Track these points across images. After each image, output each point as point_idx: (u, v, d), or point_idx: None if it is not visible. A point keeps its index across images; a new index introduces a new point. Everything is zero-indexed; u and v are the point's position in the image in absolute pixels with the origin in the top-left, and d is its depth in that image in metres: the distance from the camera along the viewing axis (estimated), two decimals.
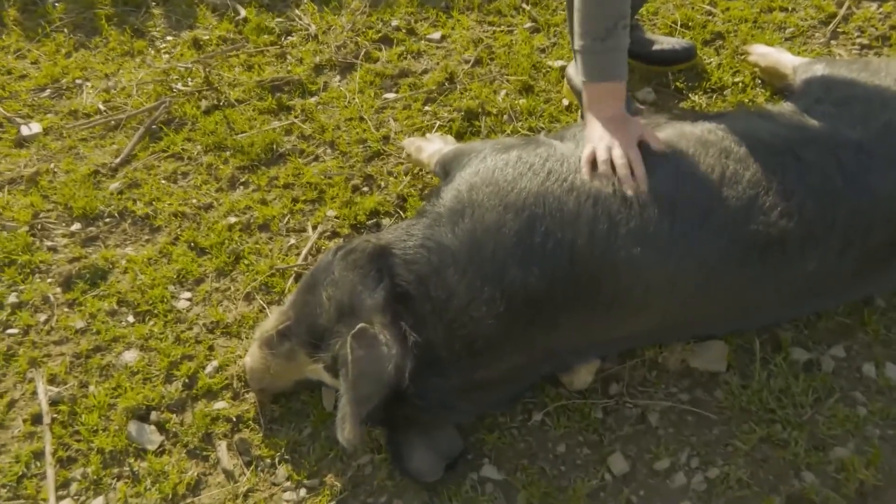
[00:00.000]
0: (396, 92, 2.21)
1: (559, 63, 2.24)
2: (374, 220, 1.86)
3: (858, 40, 2.27)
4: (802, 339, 1.55)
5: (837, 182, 1.45)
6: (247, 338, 1.63)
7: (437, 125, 2.07)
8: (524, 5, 2.49)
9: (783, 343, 1.52)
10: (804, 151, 1.48)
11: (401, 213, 1.86)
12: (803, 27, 2.32)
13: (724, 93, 2.13)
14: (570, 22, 1.98)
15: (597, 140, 1.50)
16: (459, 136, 2.03)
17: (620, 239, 1.40)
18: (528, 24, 2.42)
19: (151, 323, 1.69)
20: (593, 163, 1.47)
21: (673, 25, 2.36)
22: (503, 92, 2.18)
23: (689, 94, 2.14)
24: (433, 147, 1.84)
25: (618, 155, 1.46)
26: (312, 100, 2.20)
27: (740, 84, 2.13)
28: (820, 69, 1.76)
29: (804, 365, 1.50)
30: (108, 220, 1.94)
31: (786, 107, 1.66)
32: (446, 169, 1.67)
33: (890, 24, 2.30)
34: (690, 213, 1.42)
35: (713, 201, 1.43)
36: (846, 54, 2.22)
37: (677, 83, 2.16)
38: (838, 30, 2.31)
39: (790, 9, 2.40)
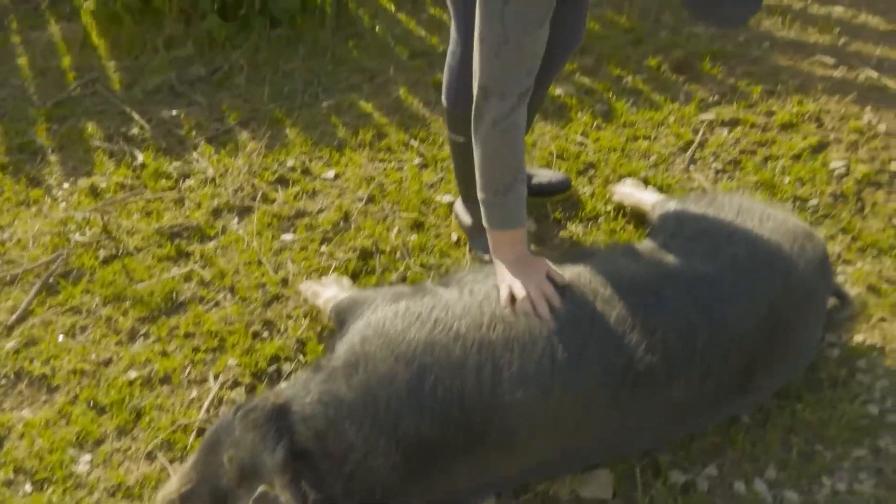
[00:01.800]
0: (294, 233, 2.30)
1: (447, 198, 2.38)
2: (275, 366, 1.92)
3: (714, 165, 2.51)
4: (679, 461, 1.67)
5: (694, 315, 1.60)
6: (149, 500, 1.64)
7: (333, 266, 2.16)
8: (412, 142, 2.65)
9: (662, 467, 1.64)
10: (663, 288, 1.63)
11: (301, 357, 1.93)
12: (665, 154, 2.56)
13: (599, 221, 2.31)
14: (456, 169, 2.14)
15: (510, 280, 1.63)
16: (355, 277, 2.13)
17: (505, 382, 1.51)
18: (417, 160, 2.57)
19: (50, 491, 1.68)
20: (513, 301, 1.58)
21: (550, 157, 2.56)
22: (396, 229, 2.30)
23: (567, 224, 2.31)
24: (329, 292, 1.93)
25: (532, 291, 1.58)
26: (211, 244, 2.27)
27: (612, 213, 2.32)
28: (673, 206, 1.95)
29: (682, 487, 1.62)
30: (2, 381, 1.93)
31: (646, 244, 1.83)
32: (341, 318, 1.76)
33: (740, 148, 2.56)
34: (567, 351, 1.54)
35: (586, 340, 1.56)
36: (704, 179, 2.45)
37: (556, 214, 2.34)
38: (696, 156, 2.55)
39: (653, 137, 2.64)
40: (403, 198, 2.40)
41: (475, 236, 2.16)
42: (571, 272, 1.68)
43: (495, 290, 1.64)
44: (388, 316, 1.62)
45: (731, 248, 1.73)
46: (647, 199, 2.19)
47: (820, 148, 2.53)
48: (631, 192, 2.29)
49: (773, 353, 1.67)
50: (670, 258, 1.74)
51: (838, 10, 3.35)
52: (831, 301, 1.88)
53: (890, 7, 3.37)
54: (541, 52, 1.58)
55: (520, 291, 1.59)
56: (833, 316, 1.88)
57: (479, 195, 1.71)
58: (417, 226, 2.31)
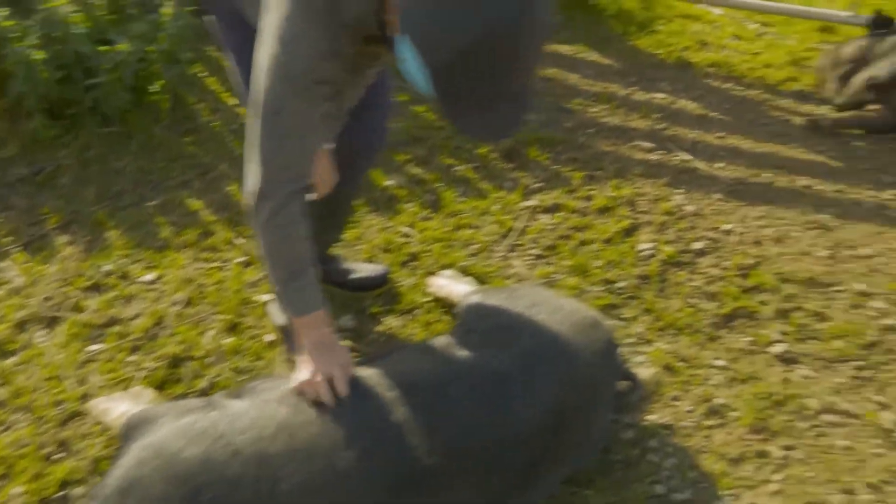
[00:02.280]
0: (102, 342, 2.23)
1: (266, 297, 2.37)
2: (65, 491, 1.83)
3: (533, 251, 2.59)
4: None
5: (481, 413, 1.63)
6: None
7: (139, 377, 2.10)
8: (238, 239, 2.63)
9: None
10: (451, 387, 1.65)
11: (94, 478, 1.85)
12: (487, 243, 2.62)
13: (415, 313, 2.33)
14: (263, 265, 2.14)
15: (305, 364, 1.63)
16: (161, 386, 2.07)
17: (284, 495, 1.48)
18: (241, 259, 2.55)
19: None
20: (302, 385, 1.59)
21: (375, 250, 2.59)
22: (211, 332, 2.26)
23: (385, 318, 2.32)
24: (120, 408, 1.87)
25: (321, 376, 1.58)
26: (10, 361, 2.17)
27: (429, 305, 2.35)
28: (475, 299, 1.99)
29: None
30: None
31: (443, 340, 1.85)
32: (127, 437, 1.70)
33: (558, 234, 2.65)
34: (349, 460, 1.53)
35: (369, 447, 1.55)
36: (522, 265, 2.53)
37: (373, 308, 2.35)
38: (516, 243, 2.63)
39: (477, 226, 2.71)
40: (222, 299, 2.37)
41: (289, 335, 2.14)
42: (363, 375, 1.68)
43: (288, 396, 1.63)
44: (169, 434, 1.58)
45: (522, 341, 1.78)
46: (457, 291, 2.24)
47: (631, 230, 2.65)
48: (445, 285, 2.33)
49: (560, 444, 1.70)
50: (463, 354, 1.76)
51: (659, 97, 3.57)
52: (623, 384, 1.95)
53: (706, 93, 3.61)
54: (307, 159, 1.61)
55: (309, 376, 1.60)
56: (625, 398, 1.94)
57: (271, 286, 1.71)
58: (234, 327, 2.28)
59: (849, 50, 3.43)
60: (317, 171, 1.94)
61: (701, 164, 3.05)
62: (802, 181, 2.95)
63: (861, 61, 3.37)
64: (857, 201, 2.82)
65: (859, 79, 3.25)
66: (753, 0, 3.91)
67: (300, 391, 1.61)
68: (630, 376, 1.96)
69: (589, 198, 2.83)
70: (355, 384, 1.63)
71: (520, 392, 1.68)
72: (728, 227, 2.67)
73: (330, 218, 2.26)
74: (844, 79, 3.39)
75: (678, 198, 2.83)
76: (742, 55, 3.89)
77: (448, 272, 2.42)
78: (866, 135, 3.26)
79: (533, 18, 1.25)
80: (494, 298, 1.95)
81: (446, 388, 1.64)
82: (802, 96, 3.61)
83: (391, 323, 2.31)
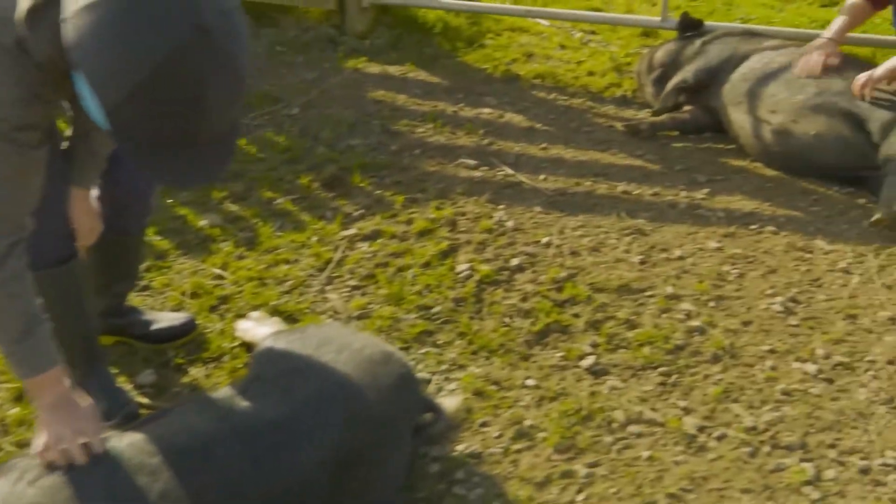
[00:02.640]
0: None
1: None
2: None
3: (350, 282, 2.51)
4: None
5: (253, 469, 1.53)
6: None
7: None
8: None
9: None
10: (220, 447, 1.55)
11: None
12: (302, 278, 2.53)
13: (222, 360, 2.21)
14: None
15: (47, 428, 1.51)
16: None
17: None
18: None
19: None
20: (45, 454, 1.48)
21: (183, 297, 2.44)
22: None
23: (190, 368, 2.19)
24: None
25: (64, 442, 1.48)
26: None
27: (235, 350, 2.23)
28: (268, 343, 1.89)
29: None
30: None
31: (226, 391, 1.74)
32: None
33: (376, 262, 2.58)
34: None
35: None
36: (338, 298, 2.44)
37: (178, 359, 2.21)
38: (333, 275, 2.54)
39: (293, 260, 2.61)
40: (7, 366, 2.18)
41: None
42: (128, 441, 1.56)
43: (42, 472, 1.50)
44: None
45: (305, 386, 1.69)
46: (260, 334, 2.13)
47: (450, 252, 2.61)
48: (250, 328, 2.22)
49: (350, 488, 1.63)
50: (242, 407, 1.66)
51: (486, 112, 3.56)
52: (426, 416, 1.89)
53: (531, 105, 3.63)
54: (23, 209, 1.50)
55: (52, 440, 1.49)
56: (428, 431, 1.87)
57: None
58: (20, 397, 2.10)
59: (660, 54, 3.52)
60: (78, 219, 1.81)
61: (524, 178, 3.04)
62: (621, 187, 2.98)
63: (672, 65, 3.46)
64: (673, 203, 2.87)
65: (671, 83, 3.33)
66: (571, 10, 3.97)
67: (46, 462, 1.48)
68: (433, 407, 1.90)
69: (410, 221, 2.78)
70: (109, 454, 1.50)
71: (298, 440, 1.60)
72: (546, 239, 2.67)
73: (115, 267, 2.13)
74: (659, 83, 3.48)
75: (499, 214, 2.82)
76: (567, 64, 3.94)
77: (256, 314, 2.31)
78: (681, 136, 3.35)
79: (216, 53, 1.17)
80: (284, 341, 1.86)
81: (214, 448, 1.53)
82: (625, 101, 3.68)
83: (196, 373, 2.18)
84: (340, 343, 1.80)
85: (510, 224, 2.76)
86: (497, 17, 4.31)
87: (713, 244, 2.62)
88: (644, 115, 3.51)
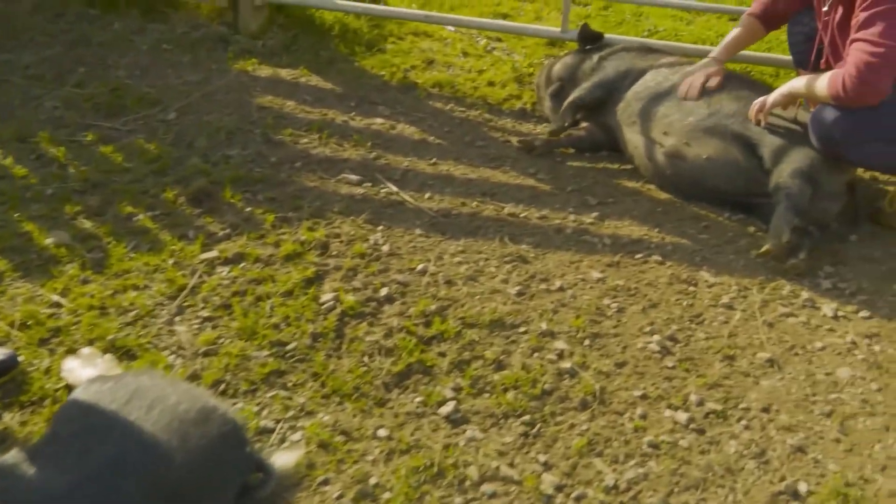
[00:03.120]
0: None
1: None
2: None
3: (202, 312, 2.30)
4: None
5: None
6: None
7: None
8: None
9: None
10: None
11: None
12: (150, 307, 2.30)
13: (43, 404, 1.98)
14: None
15: None
16: None
17: None
18: None
19: None
20: None
21: (11, 327, 2.19)
22: None
23: (3, 414, 1.95)
24: None
25: None
26: None
27: (60, 393, 1.99)
28: (76, 394, 1.67)
29: None
30: None
31: (13, 455, 1.52)
32: None
33: (234, 289, 2.37)
34: None
35: None
36: (186, 331, 2.22)
37: None
38: (185, 304, 2.32)
39: (143, 286, 2.38)
40: None
41: None
42: None
43: None
44: None
45: (101, 449, 1.48)
46: (83, 377, 1.90)
47: (316, 279, 2.41)
48: (75, 368, 1.99)
49: None
50: (28, 475, 1.44)
51: (378, 122, 3.37)
52: (255, 476, 1.69)
53: (426, 116, 3.46)
54: None
55: None
56: (255, 494, 1.68)
57: None
58: None
59: (558, 67, 3.39)
60: None
61: (408, 196, 2.87)
62: (509, 208, 2.83)
63: (570, 79, 3.32)
64: (560, 227, 2.73)
65: (567, 101, 3.20)
66: (471, 18, 3.81)
67: None
68: (262, 466, 1.70)
69: (278, 244, 2.57)
70: None
71: None
72: (422, 266, 2.50)
73: None
74: (556, 97, 3.34)
75: (376, 236, 2.63)
76: (468, 73, 3.78)
77: (87, 350, 2.09)
78: (577, 153, 3.22)
79: None
80: (93, 392, 1.64)
81: None
82: (523, 115, 3.54)
83: (10, 420, 1.94)
84: (154, 397, 1.60)
85: (386, 248, 2.58)
86: (400, 21, 4.12)
87: (596, 274, 2.49)
88: (541, 129, 3.37)
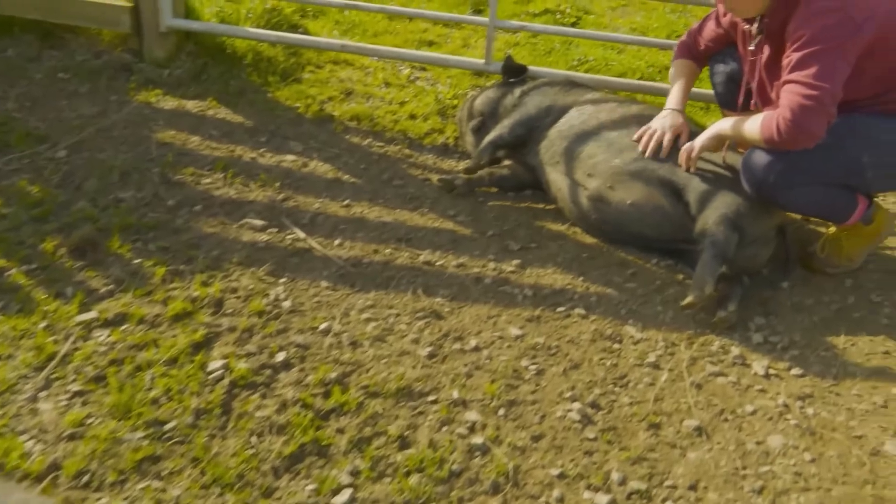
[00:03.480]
0: None
1: None
2: None
3: (73, 385, 2.04)
4: None
5: None
6: None
7: None
8: None
9: None
10: None
11: None
12: (12, 380, 2.03)
13: None
14: None
15: None
16: None
17: None
18: None
19: None
20: None
21: None
22: None
23: None
24: None
25: None
26: None
27: None
28: None
29: None
30: None
31: None
32: None
33: (112, 357, 2.12)
34: None
35: None
36: (52, 408, 1.96)
37: None
38: (53, 375, 2.06)
39: (7, 355, 2.11)
40: None
41: None
42: None
43: None
44: None
45: None
46: None
47: (205, 343, 2.18)
48: None
49: None
50: None
51: (289, 159, 3.15)
52: None
53: (342, 152, 3.25)
54: None
55: None
56: None
57: None
58: None
59: (479, 101, 3.21)
60: None
61: (315, 243, 2.65)
62: (424, 255, 2.63)
63: (491, 114, 3.15)
64: (479, 277, 2.54)
65: (486, 139, 3.02)
66: (389, 48, 3.62)
67: None
68: None
69: (167, 301, 2.33)
70: None
71: None
72: (326, 325, 2.28)
73: None
74: (478, 132, 3.16)
75: (277, 290, 2.41)
76: (388, 105, 3.59)
77: None
78: (500, 193, 3.04)
79: None
80: None
81: None
82: (445, 150, 3.36)
83: None
84: None
85: (287, 304, 2.36)
86: (319, 48, 3.91)
87: (515, 331, 2.30)
88: (463, 166, 3.18)
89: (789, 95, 2.24)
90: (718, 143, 2.52)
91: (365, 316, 2.34)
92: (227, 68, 3.73)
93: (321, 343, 2.22)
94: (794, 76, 2.24)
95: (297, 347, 2.19)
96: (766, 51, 2.44)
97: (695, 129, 2.69)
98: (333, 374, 2.09)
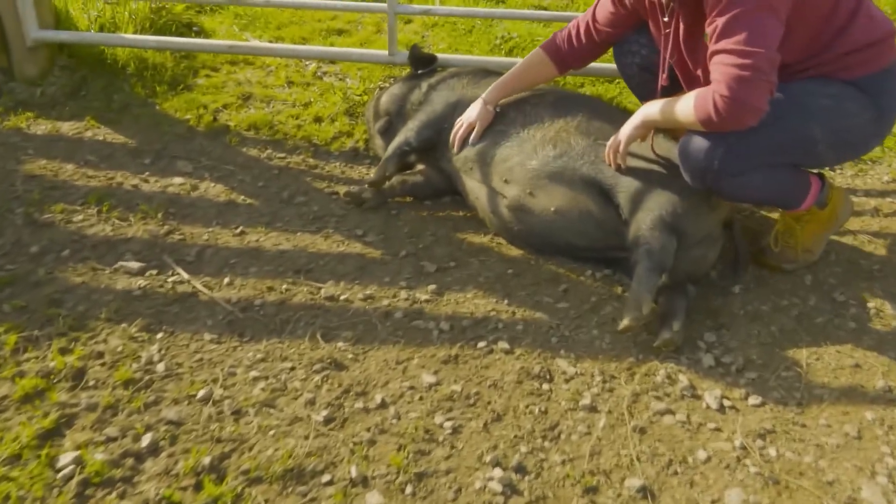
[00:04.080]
0: None
1: None
2: None
3: None
4: None
5: None
6: None
7: None
8: None
9: None
10: None
11: None
12: None
13: None
14: None
15: None
16: None
17: None
18: None
19: None
20: None
21: None
22: None
23: None
24: None
25: None
26: None
27: None
28: None
29: None
30: None
31: None
32: None
33: None
34: None
35: None
36: None
37: None
38: None
39: None
40: None
41: None
42: None
43: None
44: None
45: None
46: None
47: (57, 431, 1.82)
48: None
49: None
50: None
51: (176, 183, 2.77)
52: None
53: (238, 169, 2.88)
54: None
55: None
56: None
57: None
58: None
59: (385, 99, 2.85)
60: None
61: (201, 284, 2.29)
62: (327, 289, 2.29)
63: (398, 114, 2.79)
64: (388, 311, 2.21)
65: (392, 145, 2.66)
66: (286, 45, 3.23)
67: None
68: None
69: (16, 377, 1.97)
70: None
71: None
72: (205, 391, 1.93)
73: None
74: (386, 134, 2.81)
75: (152, 350, 2.05)
76: (291, 108, 3.21)
77: None
78: (416, 202, 2.70)
79: None
80: None
81: None
82: (355, 156, 3.00)
83: None
84: None
85: (161, 367, 2.00)
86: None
87: (428, 378, 1.97)
88: (371, 178, 2.82)
89: (721, 68, 1.92)
90: (646, 131, 2.19)
91: (253, 374, 2.00)
92: (109, 81, 3.33)
93: (198, 415, 1.87)
94: (722, 45, 1.91)
95: (169, 425, 1.84)
96: (683, 22, 2.11)
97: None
98: (208, 459, 1.74)
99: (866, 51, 2.04)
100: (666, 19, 2.14)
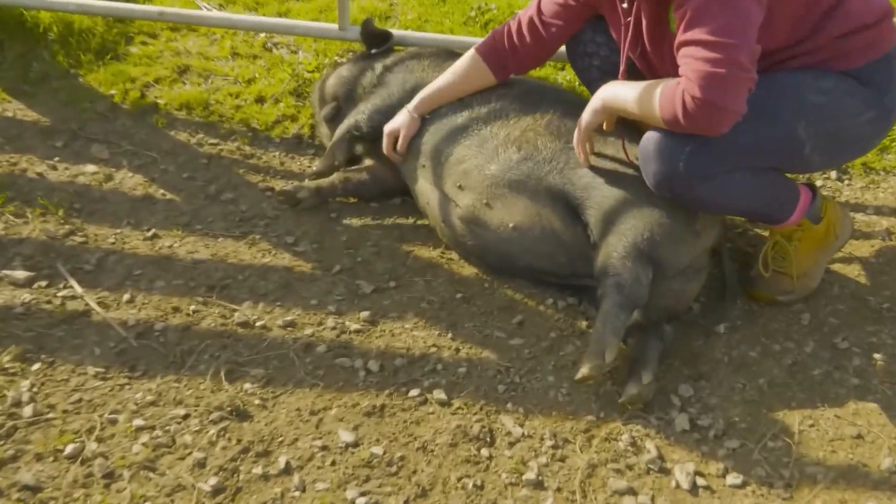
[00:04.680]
0: None
1: None
2: None
3: None
4: None
5: None
6: None
7: None
8: None
9: None
10: None
11: None
12: None
13: None
14: None
15: None
16: None
17: None
18: None
19: None
20: None
21: None
22: None
23: None
24: None
25: None
26: None
27: None
28: None
29: None
30: None
31: None
32: None
33: None
34: None
35: None
36: None
37: None
38: None
39: None
40: None
41: None
42: None
43: None
44: None
45: None
46: None
47: None
48: None
49: None
50: None
51: (88, 171, 2.42)
52: None
53: (161, 156, 2.53)
54: None
55: None
56: None
57: None
58: None
59: (332, 82, 2.48)
60: None
61: (95, 302, 1.95)
62: (243, 310, 1.95)
63: (347, 98, 2.42)
64: (310, 343, 1.88)
65: (339, 130, 2.30)
66: (227, 14, 2.85)
67: None
68: None
69: None
70: None
71: None
72: (76, 445, 1.61)
73: None
74: (333, 122, 2.44)
75: (22, 388, 1.74)
76: (232, 86, 2.83)
77: None
78: (360, 203, 2.35)
79: None
80: None
81: None
82: (298, 144, 2.64)
83: None
84: None
85: (29, 411, 1.69)
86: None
87: (346, 435, 1.65)
88: (312, 170, 2.47)
89: (692, 62, 1.57)
90: (605, 116, 1.83)
91: (138, 423, 1.67)
92: (29, 48, 2.95)
93: (61, 479, 1.54)
94: (693, 34, 1.57)
95: (23, 491, 1.51)
96: (646, 7, 1.75)
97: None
98: None
99: (863, 33, 1.70)
100: (625, 6, 1.78)
